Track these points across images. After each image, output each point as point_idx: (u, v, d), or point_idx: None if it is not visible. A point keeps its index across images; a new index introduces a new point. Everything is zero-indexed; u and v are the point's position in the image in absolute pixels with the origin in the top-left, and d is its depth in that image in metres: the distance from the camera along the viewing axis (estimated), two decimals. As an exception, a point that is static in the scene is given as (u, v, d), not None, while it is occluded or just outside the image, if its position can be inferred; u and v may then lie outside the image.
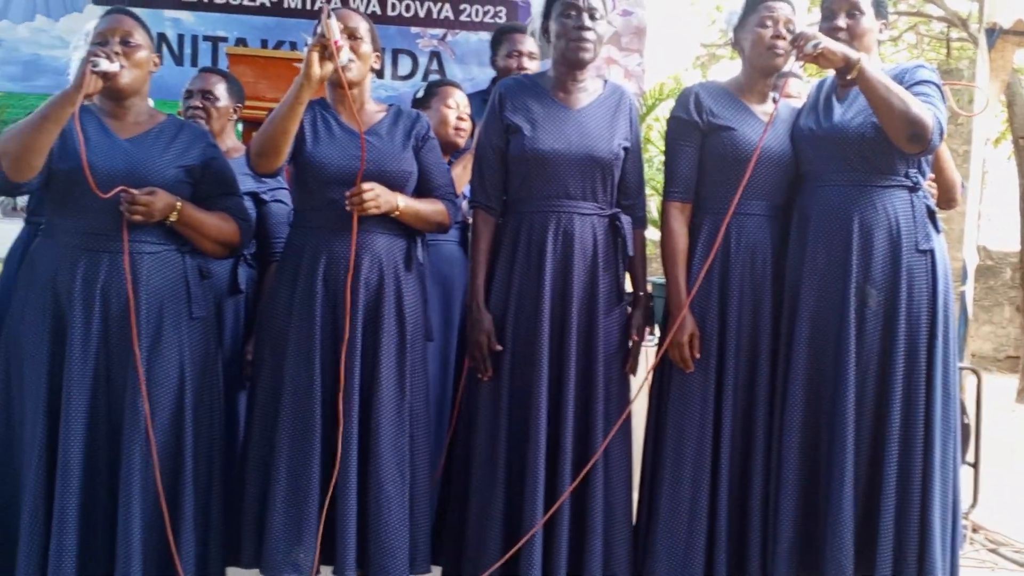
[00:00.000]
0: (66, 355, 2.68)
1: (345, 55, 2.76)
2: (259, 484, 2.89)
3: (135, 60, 2.76)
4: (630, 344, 3.07)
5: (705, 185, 3.08)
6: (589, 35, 2.97)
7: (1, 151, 2.62)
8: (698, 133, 3.06)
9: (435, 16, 6.69)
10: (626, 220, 3.07)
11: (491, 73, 4.32)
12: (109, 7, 2.92)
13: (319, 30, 2.71)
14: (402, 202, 2.90)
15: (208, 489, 2.85)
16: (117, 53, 2.70)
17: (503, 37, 4.05)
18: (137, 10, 2.94)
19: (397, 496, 2.87)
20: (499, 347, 2.97)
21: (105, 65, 2.62)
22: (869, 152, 2.94)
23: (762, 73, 3.08)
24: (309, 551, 2.82)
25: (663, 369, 3.08)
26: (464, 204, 3.37)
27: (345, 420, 2.83)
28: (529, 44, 3.80)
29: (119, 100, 2.81)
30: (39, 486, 2.67)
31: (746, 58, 3.11)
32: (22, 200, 4.22)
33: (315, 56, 2.69)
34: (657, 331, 3.38)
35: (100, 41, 2.75)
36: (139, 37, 2.79)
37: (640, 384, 3.10)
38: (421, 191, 3.02)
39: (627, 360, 3.07)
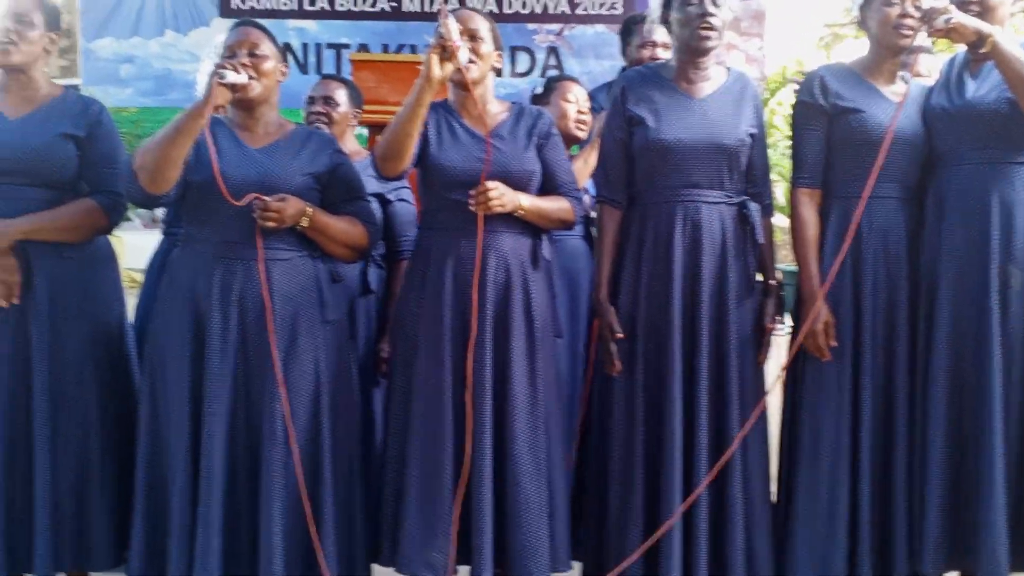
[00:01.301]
0: (205, 362, 2.76)
1: (464, 56, 2.77)
2: (395, 483, 2.93)
3: (262, 70, 2.82)
4: (761, 334, 3.03)
5: (833, 170, 3.01)
6: (714, 22, 2.93)
7: (138, 165, 2.71)
8: (825, 117, 3.00)
9: (551, 11, 6.70)
10: (754, 208, 3.02)
11: (609, 66, 4.29)
12: (236, 19, 2.99)
13: (439, 31, 2.73)
14: (525, 201, 2.90)
15: (349, 489, 2.90)
16: (245, 64, 2.76)
17: (634, 27, 3.99)
18: (263, 21, 3.00)
19: (535, 494, 2.87)
20: (621, 335, 2.94)
21: (232, 77, 2.68)
22: (1005, 128, 2.85)
23: (890, 52, 3.00)
24: (443, 550, 2.84)
25: (797, 359, 3.02)
26: (587, 198, 3.36)
27: (476, 419, 2.85)
28: (661, 34, 3.72)
29: (249, 111, 2.87)
30: (185, 490, 2.75)
31: (873, 37, 3.03)
32: (161, 212, 4.38)
33: (435, 58, 2.71)
34: (788, 320, 3.32)
35: (229, 54, 2.81)
36: (266, 48, 2.85)
37: (776, 375, 3.05)
38: (545, 188, 3.02)
39: (759, 350, 3.02)
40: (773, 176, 3.27)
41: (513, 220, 2.91)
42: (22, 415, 2.91)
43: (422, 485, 2.87)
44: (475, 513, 2.84)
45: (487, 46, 2.95)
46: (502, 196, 2.84)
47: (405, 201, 3.53)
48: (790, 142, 3.16)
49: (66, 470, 2.95)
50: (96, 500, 2.99)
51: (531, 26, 6.70)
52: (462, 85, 2.90)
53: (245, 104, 2.84)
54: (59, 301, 2.96)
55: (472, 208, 2.84)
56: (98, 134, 3.04)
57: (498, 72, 3.08)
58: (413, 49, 6.70)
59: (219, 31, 2.97)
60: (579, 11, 6.69)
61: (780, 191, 4.56)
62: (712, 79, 3.04)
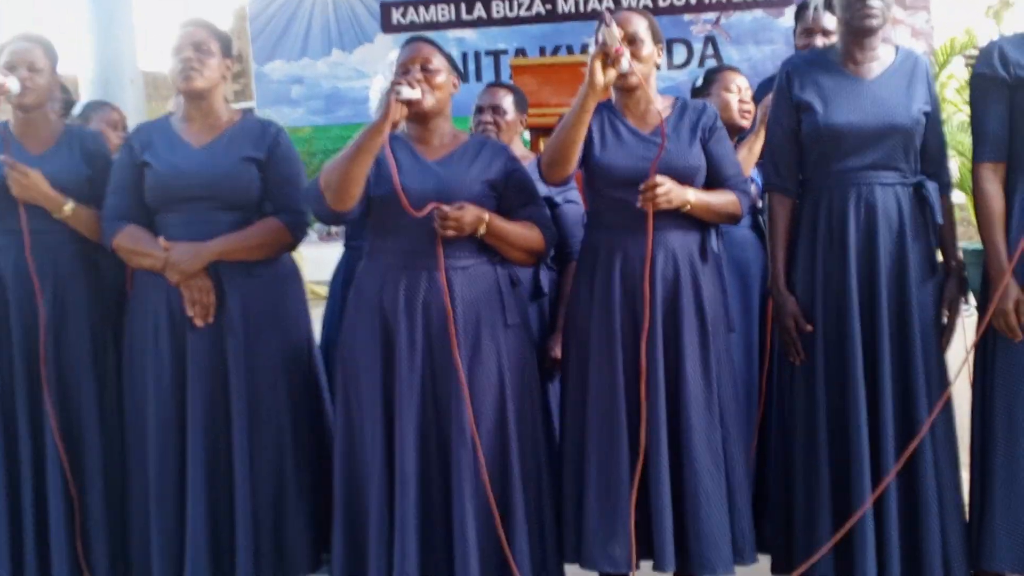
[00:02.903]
0: (395, 370, 2.84)
1: (626, 61, 2.78)
2: (574, 480, 2.96)
3: (435, 84, 2.88)
4: (944, 317, 2.95)
5: (1017, 143, 2.90)
6: (874, 2, 2.87)
7: (324, 185, 2.81)
8: (1006, 89, 2.88)
9: (707, 1, 6.64)
10: (932, 187, 2.94)
11: (769, 51, 4.24)
12: (397, 34, 3.08)
13: (600, 38, 2.75)
14: (692, 196, 2.89)
15: (538, 489, 2.94)
16: (419, 80, 2.83)
17: (800, 13, 3.94)
18: (423, 33, 3.07)
19: (715, 488, 2.86)
20: (809, 328, 2.92)
21: (408, 92, 2.75)
22: None
23: None
24: (624, 545, 2.86)
25: (986, 340, 2.93)
26: (753, 188, 3.33)
27: (651, 414, 2.85)
28: (826, 20, 3.65)
29: (424, 124, 2.95)
30: (382, 495, 2.83)
31: None
32: (335, 227, 4.53)
33: (598, 64, 2.73)
34: (972, 301, 3.22)
35: (402, 70, 2.89)
36: (437, 62, 2.92)
37: (964, 358, 2.96)
38: (711, 182, 3.00)
39: (943, 333, 2.94)
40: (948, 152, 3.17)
41: (680, 215, 2.90)
42: (222, 429, 3.04)
43: (600, 482, 2.89)
44: (655, 508, 2.85)
45: (647, 47, 2.95)
46: (669, 192, 2.83)
47: (573, 202, 3.56)
48: (963, 117, 3.06)
49: (264, 480, 3.06)
50: (293, 508, 3.10)
51: (687, 17, 6.65)
52: (625, 87, 2.92)
53: (420, 118, 2.91)
54: (251, 318, 3.08)
55: (640, 205, 2.84)
56: (278, 155, 3.15)
57: (657, 66, 3.07)
58: (570, 50, 6.76)
59: (383, 47, 3.06)
60: (735, -2, 6.61)
61: (954, 167, 4.42)
62: (880, 59, 2.98)
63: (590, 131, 2.93)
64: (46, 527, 3.16)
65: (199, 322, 3.02)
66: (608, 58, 2.73)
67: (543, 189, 3.31)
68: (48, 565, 3.16)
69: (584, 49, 6.76)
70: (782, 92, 3.02)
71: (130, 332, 3.16)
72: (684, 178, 2.91)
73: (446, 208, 2.79)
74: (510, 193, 2.98)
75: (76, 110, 4.00)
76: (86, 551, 3.18)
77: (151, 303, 3.09)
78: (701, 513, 2.85)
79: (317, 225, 6.26)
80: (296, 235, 3.16)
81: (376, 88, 3.44)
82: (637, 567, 2.90)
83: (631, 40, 2.89)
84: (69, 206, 3.15)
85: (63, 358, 3.19)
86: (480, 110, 3.69)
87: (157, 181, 3.07)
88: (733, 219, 3.05)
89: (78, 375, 3.21)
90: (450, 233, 2.80)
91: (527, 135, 4.41)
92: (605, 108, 3.02)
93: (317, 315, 3.54)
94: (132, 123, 3.98)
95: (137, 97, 7.13)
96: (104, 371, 3.25)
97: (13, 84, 3.08)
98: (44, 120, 3.29)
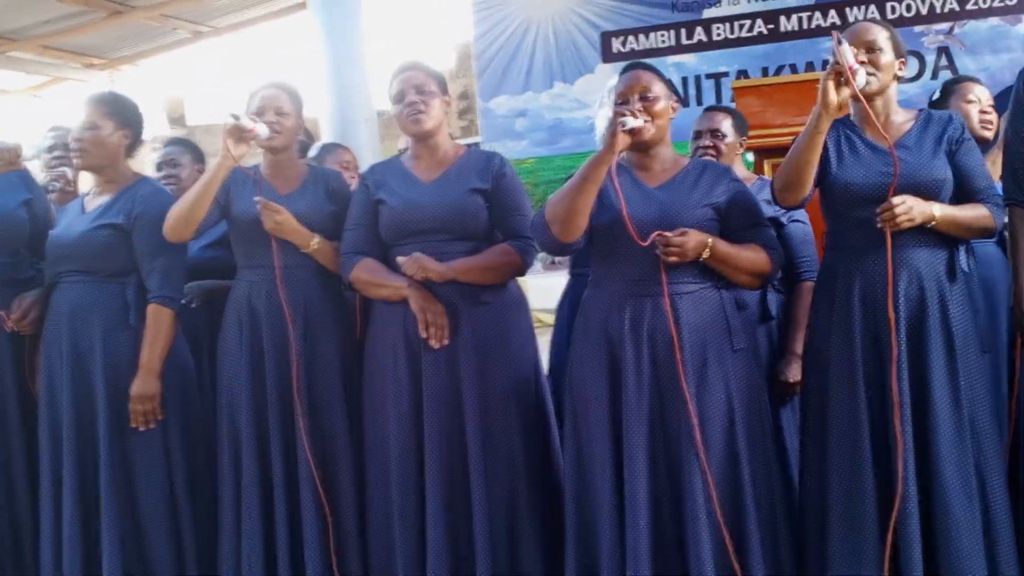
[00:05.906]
0: (623, 396, 2.86)
1: (862, 78, 2.71)
2: (817, 508, 2.89)
3: (655, 112, 2.90)
4: None
5: None
6: None
7: (550, 217, 2.88)
8: None
9: (939, 10, 6.40)
10: None
11: (1008, 60, 4.05)
12: (617, 63, 3.11)
13: (834, 57, 2.69)
14: (938, 211, 2.77)
15: (772, 514, 2.90)
16: (640, 110, 2.85)
17: None
18: (643, 60, 3.09)
19: (966, 518, 2.73)
20: None
21: (632, 123, 2.78)
22: None
23: None
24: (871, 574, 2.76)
25: None
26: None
27: (901, 442, 2.74)
28: None
29: (645, 151, 2.97)
30: (613, 521, 2.85)
31: None
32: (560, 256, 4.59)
33: (831, 84, 2.68)
34: None
35: (621, 100, 2.92)
36: (657, 89, 2.93)
37: None
38: (960, 195, 2.87)
39: None
40: None
41: (926, 231, 2.79)
42: (457, 451, 3.13)
43: (844, 509, 2.81)
44: (903, 538, 2.74)
45: (887, 56, 2.86)
46: (910, 210, 2.73)
47: (799, 222, 3.50)
48: None
49: (499, 502, 3.13)
50: (527, 530, 3.16)
51: (918, 28, 6.44)
52: (859, 99, 2.82)
53: (642, 146, 2.93)
54: (481, 343, 3.17)
55: (879, 226, 2.76)
56: (503, 185, 3.26)
57: (898, 78, 2.98)
58: (793, 69, 6.65)
59: (604, 77, 3.10)
60: (970, 6, 6.33)
61: None
62: None
63: (826, 148, 2.86)
64: (300, 545, 3.31)
65: (434, 343, 3.12)
66: (841, 77, 2.67)
67: (768, 210, 3.26)
68: None
69: (808, 67, 6.64)
70: (1019, 100, 2.88)
71: (370, 358, 3.31)
72: (928, 192, 2.80)
73: (668, 235, 2.80)
74: (734, 215, 2.95)
75: (312, 152, 4.23)
76: (340, 568, 3.31)
77: (389, 331, 3.22)
78: (952, 544, 2.72)
79: (542, 254, 6.38)
80: (526, 260, 3.25)
81: (602, 117, 3.49)
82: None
83: (870, 48, 2.82)
84: (316, 240, 3.34)
85: (314, 383, 3.37)
86: (699, 135, 3.68)
87: (392, 216, 3.22)
88: (986, 234, 2.90)
89: (329, 399, 3.38)
90: (673, 259, 2.80)
91: (750, 157, 4.36)
92: (841, 123, 2.94)
93: (544, 343, 3.61)
94: (366, 160, 4.18)
95: (371, 136, 7.48)
96: (351, 395, 3.41)
97: (262, 129, 3.30)
98: (291, 162, 3.51)
